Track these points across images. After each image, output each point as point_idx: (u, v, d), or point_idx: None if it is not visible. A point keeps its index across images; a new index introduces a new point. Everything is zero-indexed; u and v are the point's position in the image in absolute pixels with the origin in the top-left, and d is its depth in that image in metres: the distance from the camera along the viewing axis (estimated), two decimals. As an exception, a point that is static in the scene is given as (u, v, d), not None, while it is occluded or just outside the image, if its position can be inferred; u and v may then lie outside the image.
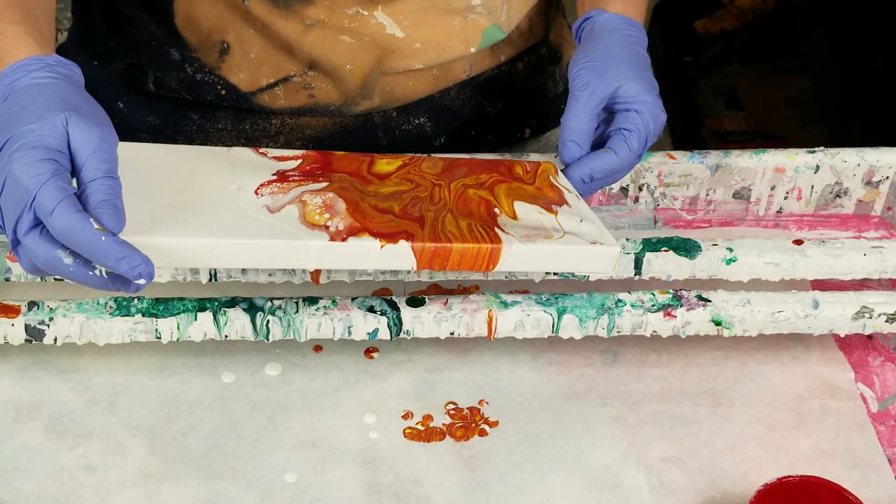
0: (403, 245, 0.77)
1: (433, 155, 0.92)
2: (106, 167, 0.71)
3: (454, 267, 0.79)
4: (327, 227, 0.78)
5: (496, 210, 0.84)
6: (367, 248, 0.77)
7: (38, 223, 0.70)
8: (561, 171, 0.90)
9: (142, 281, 0.71)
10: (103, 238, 0.69)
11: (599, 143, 0.89)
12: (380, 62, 0.97)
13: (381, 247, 0.77)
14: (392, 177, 0.86)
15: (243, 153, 0.87)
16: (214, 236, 0.75)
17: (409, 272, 0.89)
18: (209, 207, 0.78)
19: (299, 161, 0.86)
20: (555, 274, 0.88)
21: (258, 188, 0.81)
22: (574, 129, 0.88)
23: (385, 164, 0.88)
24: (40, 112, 0.72)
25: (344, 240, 0.76)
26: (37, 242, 0.70)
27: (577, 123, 0.88)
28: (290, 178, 0.84)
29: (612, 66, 0.88)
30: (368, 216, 0.79)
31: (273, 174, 0.84)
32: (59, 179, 0.69)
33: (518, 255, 0.80)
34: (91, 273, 0.72)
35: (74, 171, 0.71)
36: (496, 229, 0.81)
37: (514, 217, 0.83)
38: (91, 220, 0.69)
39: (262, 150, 0.88)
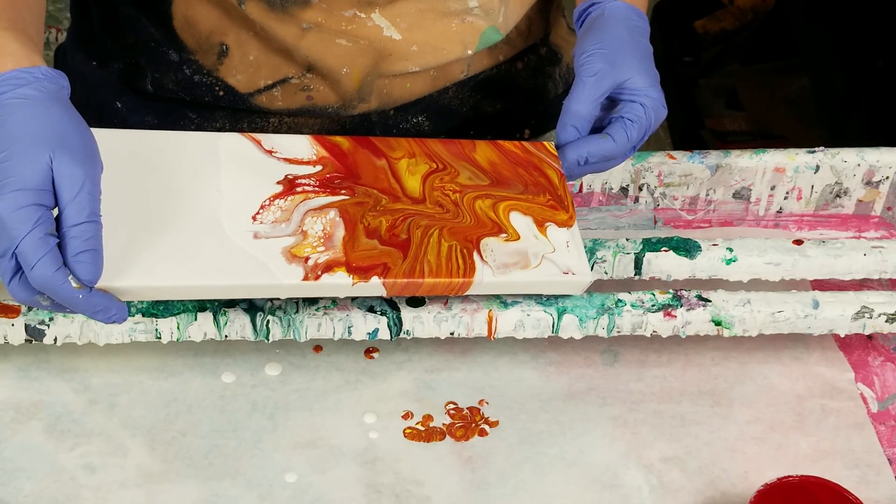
0: (375, 281, 0.79)
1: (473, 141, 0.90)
2: (89, 210, 0.72)
3: (425, 293, 0.81)
4: (306, 260, 0.78)
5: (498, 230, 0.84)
6: (338, 285, 0.79)
7: (19, 269, 0.72)
8: (557, 149, 0.90)
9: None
10: (80, 296, 0.72)
11: (595, 129, 0.89)
12: (376, 65, 0.96)
13: (353, 284, 0.79)
14: (426, 202, 0.84)
15: (239, 147, 0.84)
16: (185, 280, 0.76)
17: None
18: (189, 232, 0.78)
19: (318, 168, 0.84)
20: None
21: (258, 211, 0.80)
22: (576, 114, 0.88)
23: (406, 172, 0.86)
24: (26, 147, 0.72)
25: (317, 278, 0.78)
26: (17, 288, 0.73)
27: (579, 108, 0.88)
28: (299, 188, 0.82)
29: (622, 57, 0.89)
30: (357, 243, 0.80)
31: (278, 182, 0.82)
32: (43, 229, 0.71)
33: (489, 285, 0.82)
34: (67, 309, 0.74)
35: (58, 207, 0.72)
36: (475, 255, 0.82)
37: (503, 232, 0.84)
38: (70, 277, 0.71)
39: (266, 144, 0.85)
